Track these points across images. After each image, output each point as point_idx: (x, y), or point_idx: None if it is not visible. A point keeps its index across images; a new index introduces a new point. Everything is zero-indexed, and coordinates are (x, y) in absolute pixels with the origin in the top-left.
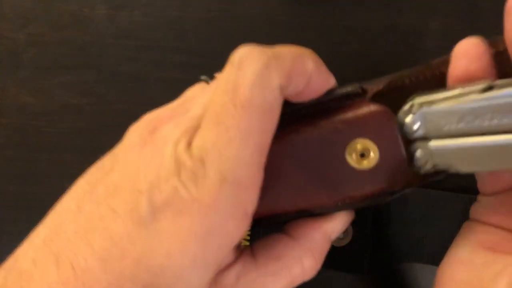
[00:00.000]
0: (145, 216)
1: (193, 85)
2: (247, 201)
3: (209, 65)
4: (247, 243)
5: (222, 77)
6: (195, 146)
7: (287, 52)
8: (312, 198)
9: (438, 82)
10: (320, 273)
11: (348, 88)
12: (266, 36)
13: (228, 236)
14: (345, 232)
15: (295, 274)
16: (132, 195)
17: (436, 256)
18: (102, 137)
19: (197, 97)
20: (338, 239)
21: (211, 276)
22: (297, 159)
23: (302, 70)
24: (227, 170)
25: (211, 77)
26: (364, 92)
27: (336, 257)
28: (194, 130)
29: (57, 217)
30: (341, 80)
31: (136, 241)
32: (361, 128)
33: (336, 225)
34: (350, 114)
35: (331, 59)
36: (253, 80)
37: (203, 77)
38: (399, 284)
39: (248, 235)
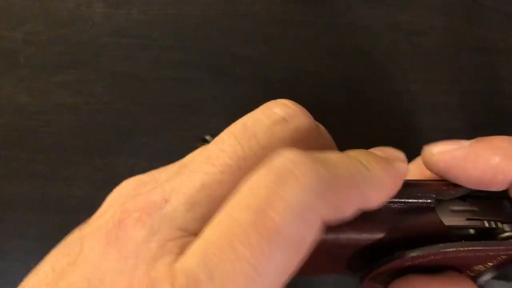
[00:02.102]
0: None
1: (193, 85)
2: None
3: (208, 63)
4: None
5: (251, 183)
6: (181, 269)
7: (345, 173)
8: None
9: None
10: (321, 276)
11: (420, 198)
12: (267, 34)
13: None
14: None
15: None
16: None
17: None
18: (99, 136)
19: (177, 179)
20: None
21: None
22: (332, 252)
23: (356, 199)
24: None
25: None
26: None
27: None
28: (176, 243)
29: None
30: (343, 79)
31: None
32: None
33: None
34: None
35: (332, 57)
36: (293, 210)
37: (207, 137)
38: None
39: None
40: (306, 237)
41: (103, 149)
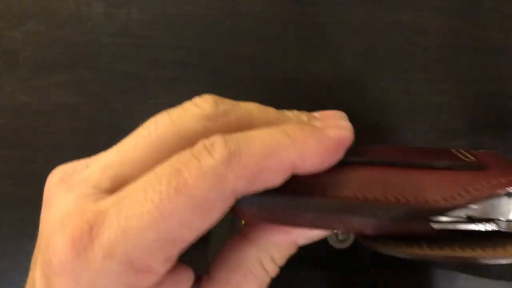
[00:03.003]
0: (38, 273)
1: (193, 85)
2: (139, 286)
3: (208, 63)
4: None
5: (179, 156)
6: (93, 207)
7: (260, 142)
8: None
9: None
10: (322, 275)
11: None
12: (267, 34)
13: None
14: (347, 234)
15: (260, 278)
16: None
17: None
18: (99, 136)
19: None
20: (340, 241)
21: None
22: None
23: (275, 168)
24: (118, 244)
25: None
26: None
27: (338, 260)
28: (90, 198)
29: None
30: (343, 79)
31: None
32: None
33: (305, 232)
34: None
35: (332, 58)
36: (205, 175)
37: None
38: (400, 286)
39: None
40: (214, 201)
41: (103, 149)
